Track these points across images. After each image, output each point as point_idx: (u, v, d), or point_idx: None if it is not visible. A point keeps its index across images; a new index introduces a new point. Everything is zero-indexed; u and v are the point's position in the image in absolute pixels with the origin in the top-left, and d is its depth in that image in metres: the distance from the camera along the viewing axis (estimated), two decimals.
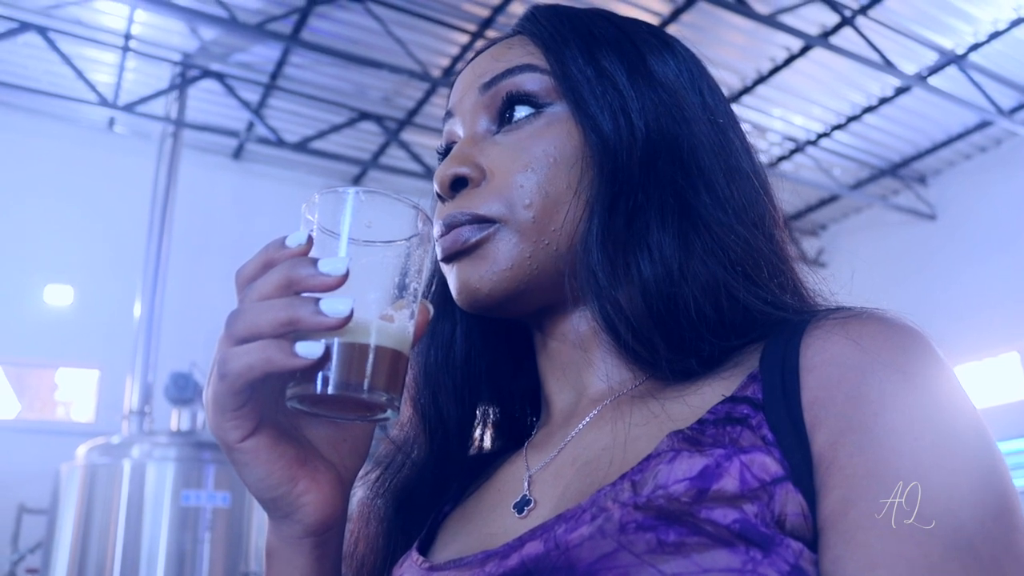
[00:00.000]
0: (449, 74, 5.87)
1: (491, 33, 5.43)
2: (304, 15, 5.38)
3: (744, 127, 0.64)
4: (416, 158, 6.80)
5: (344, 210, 0.48)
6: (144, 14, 5.57)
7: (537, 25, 0.63)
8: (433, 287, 0.66)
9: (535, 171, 0.58)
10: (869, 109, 6.44)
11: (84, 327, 6.54)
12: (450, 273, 0.60)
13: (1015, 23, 5.51)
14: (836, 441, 0.45)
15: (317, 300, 0.45)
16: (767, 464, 0.45)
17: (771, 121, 6.56)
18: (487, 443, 0.70)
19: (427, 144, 6.89)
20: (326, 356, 0.46)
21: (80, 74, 5.73)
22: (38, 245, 6.51)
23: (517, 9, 5.25)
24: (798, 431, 0.47)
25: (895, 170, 7.35)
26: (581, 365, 0.60)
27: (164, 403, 4.78)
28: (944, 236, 7.44)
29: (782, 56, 5.82)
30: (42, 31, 5.48)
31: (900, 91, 6.19)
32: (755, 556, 0.41)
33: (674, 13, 5.32)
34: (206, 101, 6.50)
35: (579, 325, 0.60)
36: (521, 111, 0.60)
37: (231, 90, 6.20)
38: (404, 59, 5.59)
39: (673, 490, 0.45)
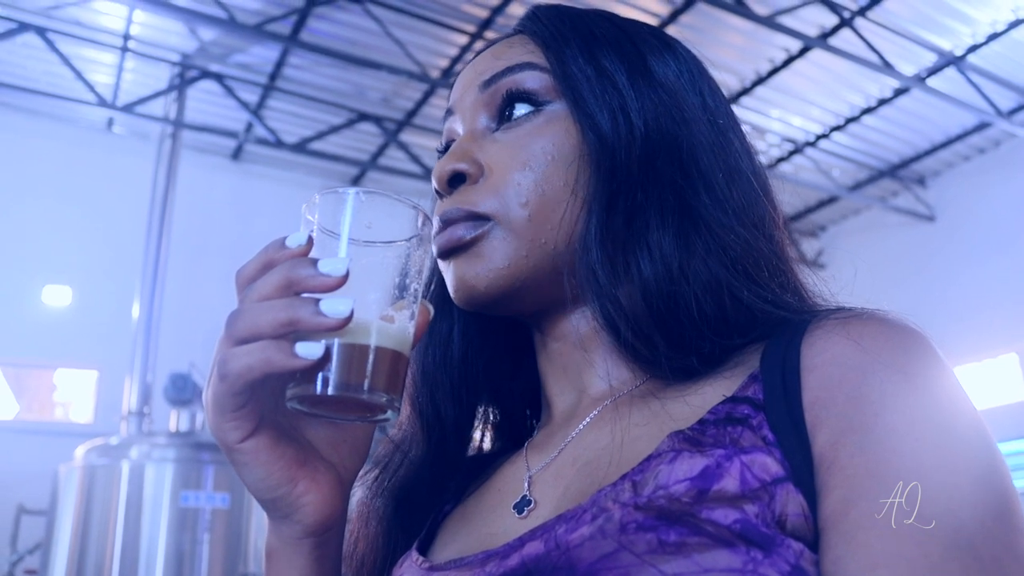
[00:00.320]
0: (448, 75, 5.87)
1: (490, 34, 5.44)
2: (303, 16, 5.38)
3: (743, 128, 0.64)
4: (415, 159, 6.80)
5: (344, 211, 0.48)
6: (143, 15, 5.58)
7: (538, 24, 0.63)
8: (433, 287, 0.66)
9: (533, 169, 0.58)
10: (868, 110, 6.44)
11: (83, 328, 6.54)
12: (447, 270, 0.60)
13: (1013, 24, 5.51)
14: (837, 441, 0.45)
15: (317, 301, 0.45)
16: (768, 464, 0.45)
17: (770, 122, 6.57)
18: (487, 444, 0.70)
19: (426, 145, 6.89)
20: (326, 357, 0.46)
21: (79, 75, 5.72)
22: (37, 246, 6.51)
23: (516, 10, 5.25)
24: (799, 431, 0.47)
25: (894, 171, 7.36)
26: (582, 365, 0.60)
27: (163, 404, 4.78)
28: (943, 237, 7.45)
29: (781, 57, 5.83)
30: (41, 32, 5.48)
31: (899, 92, 6.19)
32: (756, 556, 0.41)
33: (673, 14, 5.33)
34: (205, 102, 6.50)
35: (579, 325, 0.60)
36: (521, 109, 0.60)
37: (230, 91, 6.19)
38: (403, 60, 5.60)
39: (674, 490, 0.45)
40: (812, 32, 5.44)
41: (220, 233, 6.94)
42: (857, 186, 7.46)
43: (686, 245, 0.55)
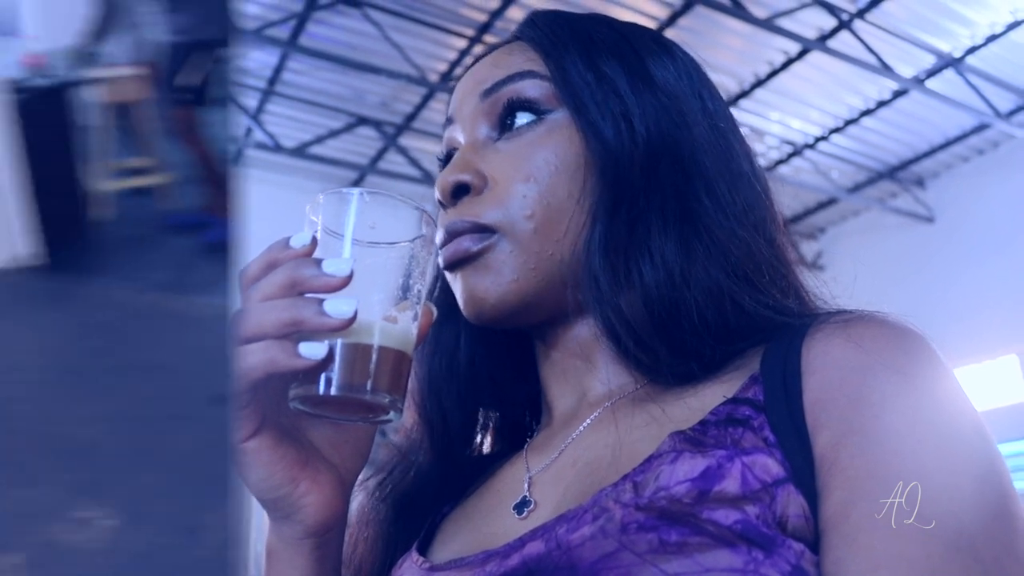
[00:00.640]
0: (447, 79, 5.87)
1: (489, 38, 5.43)
2: (302, 21, 5.38)
3: (742, 131, 0.64)
4: (414, 163, 6.79)
5: (348, 211, 0.49)
6: None
7: (536, 31, 0.63)
8: (436, 291, 0.66)
9: (537, 181, 0.57)
10: (867, 112, 6.44)
11: None
12: (455, 282, 0.60)
13: (1012, 26, 5.51)
14: (838, 443, 0.45)
15: (321, 301, 0.45)
16: (769, 465, 0.45)
17: (769, 125, 6.56)
18: (487, 447, 0.70)
19: (425, 149, 6.88)
20: (329, 357, 0.46)
21: None
22: None
23: (515, 14, 5.24)
24: (800, 433, 0.47)
25: (893, 173, 7.35)
26: (582, 371, 0.60)
27: None
28: (942, 239, 7.44)
29: (779, 60, 5.82)
30: None
31: (897, 94, 6.19)
32: (757, 556, 0.42)
33: (671, 17, 5.32)
34: None
35: (581, 333, 0.60)
36: (522, 118, 0.60)
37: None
38: (402, 64, 5.59)
39: (675, 491, 0.45)
40: (811, 34, 5.44)
41: None
42: (856, 188, 7.46)
43: (688, 250, 0.55)
